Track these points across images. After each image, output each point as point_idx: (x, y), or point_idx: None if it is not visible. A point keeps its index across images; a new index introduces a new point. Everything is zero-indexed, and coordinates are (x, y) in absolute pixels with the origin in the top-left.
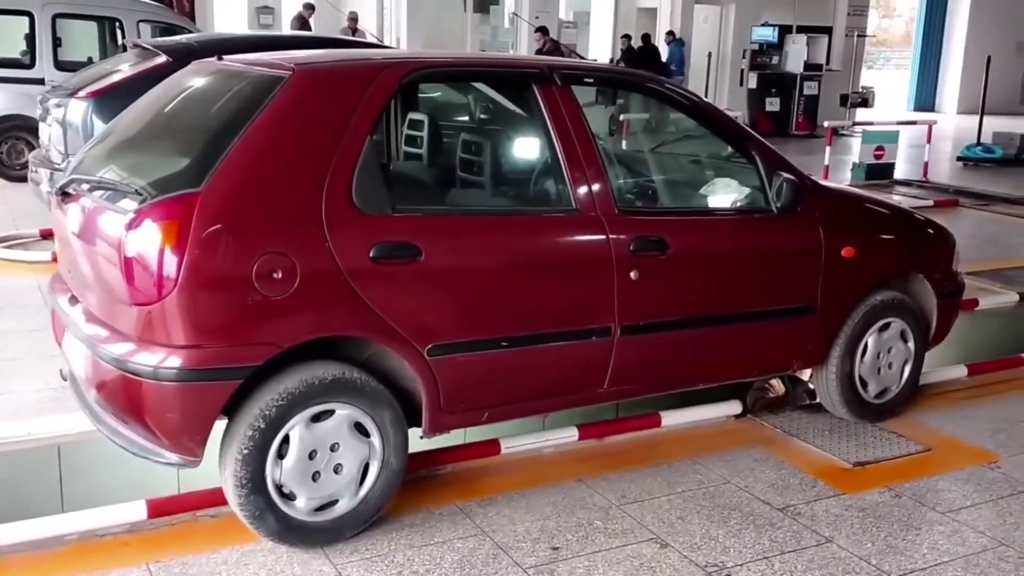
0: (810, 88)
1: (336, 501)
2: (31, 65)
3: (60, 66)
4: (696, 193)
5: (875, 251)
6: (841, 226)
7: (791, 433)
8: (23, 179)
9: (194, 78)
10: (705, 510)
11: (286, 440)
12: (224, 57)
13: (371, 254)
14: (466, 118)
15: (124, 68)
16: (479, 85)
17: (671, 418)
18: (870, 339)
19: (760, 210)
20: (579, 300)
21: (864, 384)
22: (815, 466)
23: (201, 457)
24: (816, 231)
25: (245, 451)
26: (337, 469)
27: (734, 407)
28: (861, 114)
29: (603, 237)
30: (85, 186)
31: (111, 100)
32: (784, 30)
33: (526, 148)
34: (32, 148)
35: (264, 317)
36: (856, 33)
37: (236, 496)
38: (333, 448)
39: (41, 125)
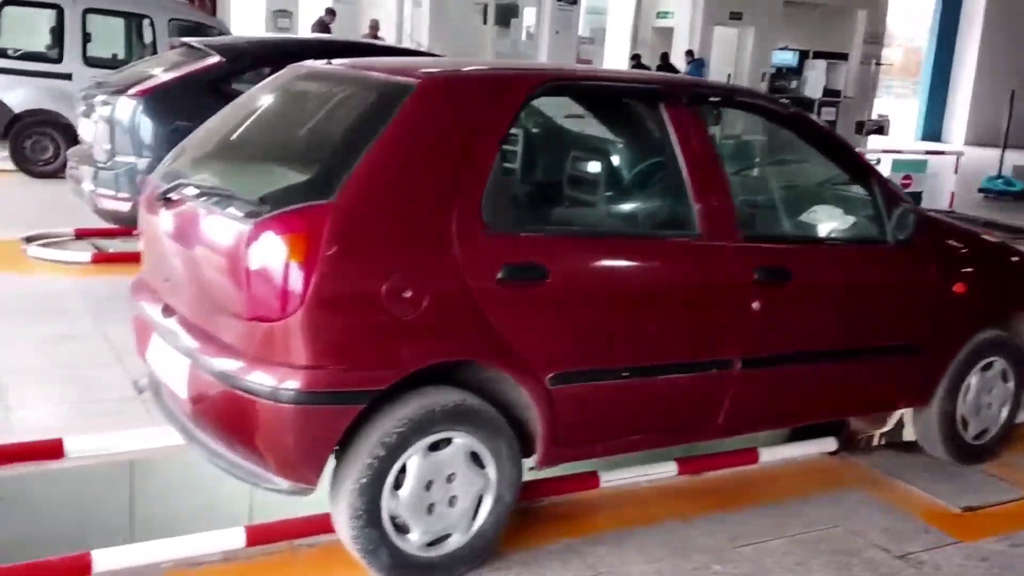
0: (828, 114)
1: (449, 535)
2: (59, 60)
3: (88, 62)
4: (811, 220)
5: (986, 288)
6: (954, 261)
7: (890, 473)
8: (47, 175)
9: (299, 82)
10: (823, 556)
11: (402, 470)
12: (332, 62)
13: (499, 275)
14: (586, 135)
15: (171, 67)
16: (600, 101)
17: (768, 454)
18: (973, 378)
19: (876, 241)
20: (701, 330)
21: (965, 424)
22: (923, 509)
23: (315, 486)
24: (930, 265)
25: (363, 480)
26: (452, 502)
27: (829, 444)
28: (873, 142)
29: (727, 264)
30: (194, 191)
31: (161, 99)
32: (802, 55)
33: (650, 168)
34: (57, 144)
35: (391, 339)
36: (873, 61)
37: (350, 528)
38: (449, 479)
39: (83, 121)
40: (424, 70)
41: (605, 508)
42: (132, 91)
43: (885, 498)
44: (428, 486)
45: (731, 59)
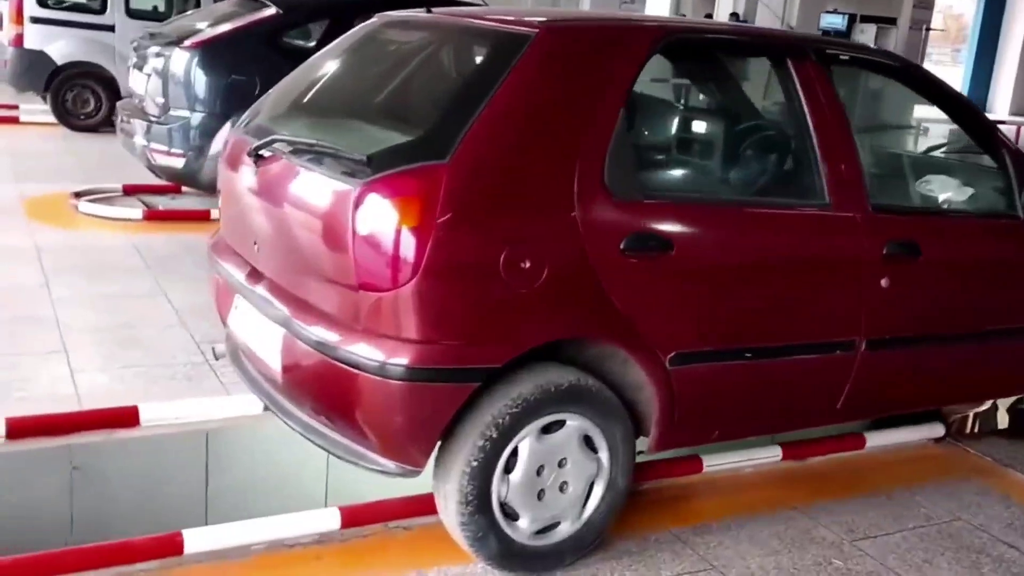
0: None
1: (558, 523)
2: (101, 11)
3: (132, 14)
4: (935, 191)
5: None
6: None
7: (1003, 463)
8: (88, 128)
9: (391, 32)
10: (949, 552)
11: (513, 453)
12: (433, 10)
13: (621, 246)
14: (708, 96)
15: (225, 19)
16: (724, 57)
17: (875, 439)
18: None
19: (1006, 215)
20: (827, 309)
21: None
22: None
23: (423, 467)
24: None
25: (474, 463)
26: (563, 488)
27: (936, 430)
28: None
29: (857, 238)
30: (291, 148)
31: (217, 52)
32: (850, 19)
33: (776, 131)
34: (99, 98)
35: (509, 312)
36: (923, 27)
37: (459, 514)
38: (560, 464)
39: (135, 74)
40: (539, 19)
41: (709, 494)
42: (187, 43)
43: (1001, 489)
44: (539, 471)
45: (777, 22)
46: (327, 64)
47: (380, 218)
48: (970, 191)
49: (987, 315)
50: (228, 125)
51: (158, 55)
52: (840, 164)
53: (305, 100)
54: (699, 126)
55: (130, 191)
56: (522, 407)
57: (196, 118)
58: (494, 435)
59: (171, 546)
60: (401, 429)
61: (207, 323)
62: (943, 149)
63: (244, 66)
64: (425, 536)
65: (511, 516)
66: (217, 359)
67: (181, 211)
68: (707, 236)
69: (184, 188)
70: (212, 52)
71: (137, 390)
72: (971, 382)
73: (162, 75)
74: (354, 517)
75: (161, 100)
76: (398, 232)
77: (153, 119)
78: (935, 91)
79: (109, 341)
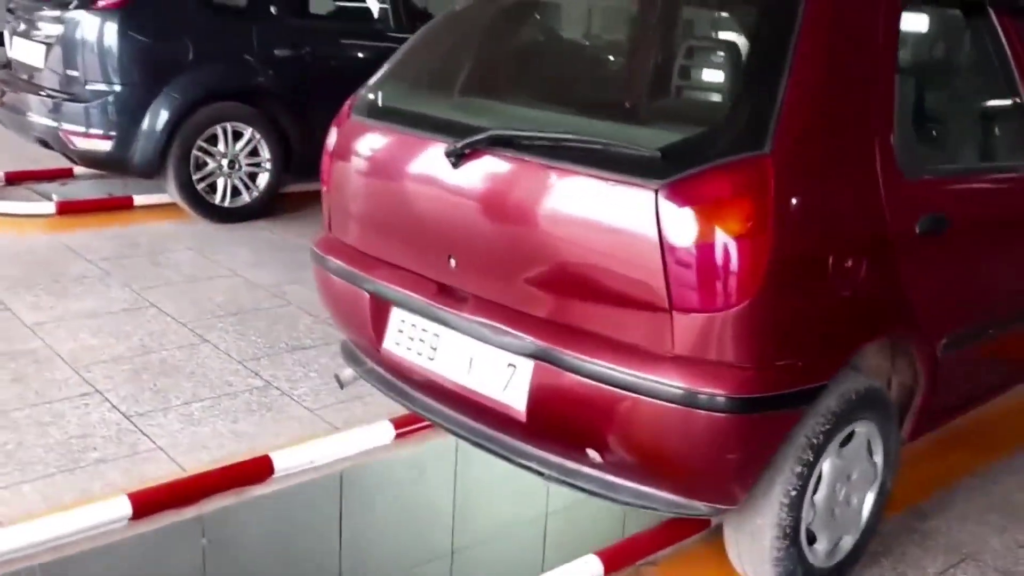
0: None
1: (840, 539)
2: None
3: None
4: None
5: None
6: None
7: None
8: None
9: None
10: None
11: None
12: None
13: (918, 229)
14: (952, 53)
15: None
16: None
17: None
18: None
19: None
20: None
21: None
22: None
23: (739, 504)
24: None
25: (793, 492)
26: (849, 500)
27: None
28: None
29: None
30: (530, 143)
31: (137, 11)
32: None
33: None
34: None
35: (837, 320)
36: None
37: (775, 549)
38: (849, 476)
39: (18, 42)
40: None
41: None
42: (100, 2)
43: None
44: (836, 487)
45: None
46: (483, 29)
47: (701, 226)
48: None
49: None
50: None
51: (57, 19)
52: None
53: (478, 78)
54: (955, 88)
55: (13, 179)
56: (832, 422)
57: (119, 92)
58: (810, 458)
59: None
60: (730, 466)
61: (231, 336)
62: None
63: (171, 28)
64: (677, 569)
65: (810, 541)
66: (343, 387)
67: (99, 200)
68: (983, 209)
69: (77, 171)
70: (131, 13)
71: (223, 431)
72: None
73: (66, 43)
74: (615, 559)
75: (73, 73)
76: (730, 241)
77: (60, 95)
78: None
79: (141, 372)
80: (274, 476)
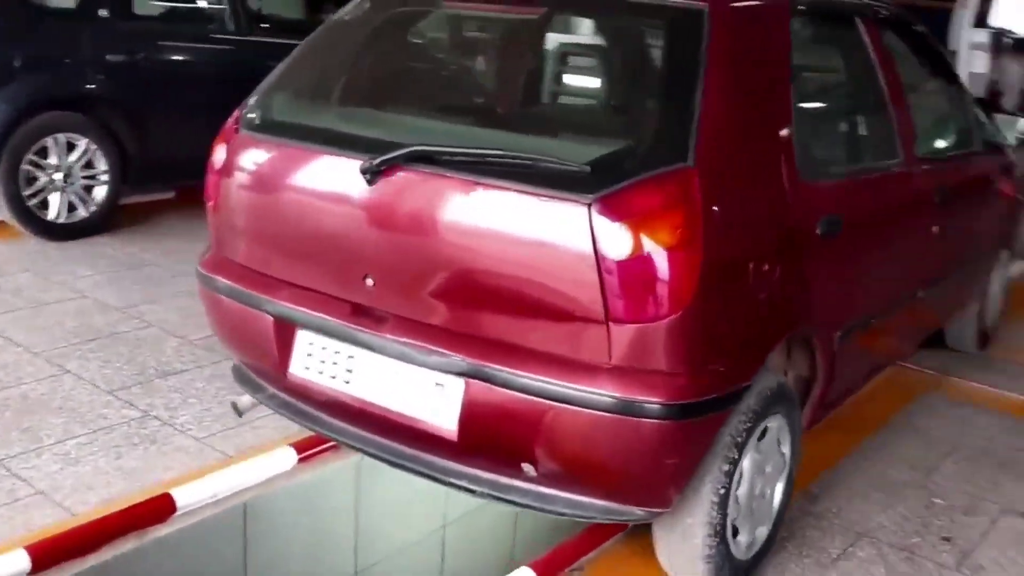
0: None
1: (756, 530)
2: None
3: None
4: (944, 136)
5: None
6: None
7: (948, 372)
8: None
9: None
10: (994, 468)
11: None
12: None
13: (818, 231)
14: (839, 63)
15: None
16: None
17: None
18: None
19: (973, 152)
20: (922, 259)
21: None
22: (1005, 404)
23: (671, 506)
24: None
25: (722, 490)
26: (764, 493)
27: None
28: None
29: (921, 190)
30: (453, 159)
31: None
32: None
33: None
34: None
35: (758, 322)
36: None
37: (706, 547)
38: (764, 470)
39: None
40: None
41: None
42: None
43: (968, 399)
44: (754, 481)
45: None
46: (379, 40)
47: (635, 238)
48: (951, 131)
49: (969, 246)
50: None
51: None
52: (903, 119)
53: (378, 90)
54: (846, 97)
55: None
56: (753, 420)
57: None
58: (735, 456)
59: None
60: (667, 470)
61: (94, 364)
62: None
63: None
64: (602, 571)
65: (734, 535)
66: (241, 415)
67: None
68: (869, 206)
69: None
70: None
71: (107, 469)
72: (945, 310)
73: None
74: (547, 569)
75: None
76: (665, 252)
77: None
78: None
79: (2, 411)
80: (176, 514)
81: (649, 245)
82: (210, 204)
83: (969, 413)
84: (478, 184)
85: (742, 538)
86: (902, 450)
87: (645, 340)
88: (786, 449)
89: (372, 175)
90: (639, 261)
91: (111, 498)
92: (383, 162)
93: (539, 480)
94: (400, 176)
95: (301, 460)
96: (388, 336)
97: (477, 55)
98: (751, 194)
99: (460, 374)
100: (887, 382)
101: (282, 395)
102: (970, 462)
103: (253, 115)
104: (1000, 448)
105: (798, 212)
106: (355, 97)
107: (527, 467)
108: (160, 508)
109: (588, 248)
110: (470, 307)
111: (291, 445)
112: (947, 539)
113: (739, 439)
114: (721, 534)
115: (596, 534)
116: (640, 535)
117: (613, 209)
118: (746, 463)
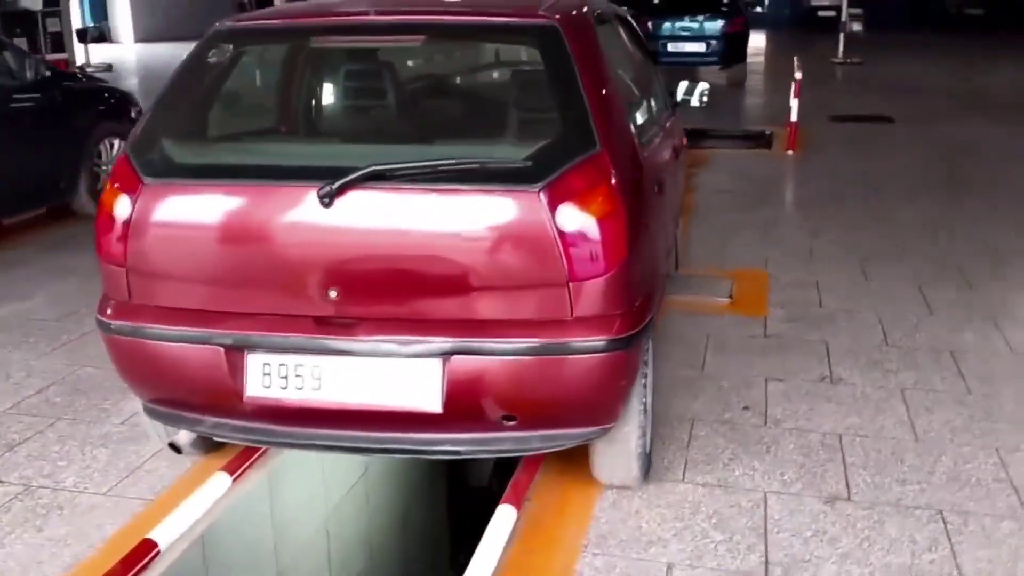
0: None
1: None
2: None
3: None
4: None
5: None
6: None
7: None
8: None
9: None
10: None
11: None
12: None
13: (656, 189)
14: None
15: None
16: None
17: None
18: None
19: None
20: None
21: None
22: (713, 307)
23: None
24: None
25: (645, 399)
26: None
27: None
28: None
29: None
30: (404, 173)
31: None
32: None
33: None
34: None
35: (648, 261)
36: None
37: (639, 447)
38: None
39: None
40: (546, 8)
41: None
42: None
43: (689, 310)
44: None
45: None
46: (275, 74)
47: (582, 213)
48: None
49: None
50: None
51: None
52: (648, 96)
53: (297, 120)
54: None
55: None
56: (651, 338)
57: None
58: (647, 371)
59: None
60: (622, 391)
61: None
62: None
63: None
64: (544, 498)
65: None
66: (180, 452)
67: None
68: (657, 162)
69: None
70: None
71: (41, 542)
72: None
73: None
74: (515, 500)
75: None
76: (605, 219)
77: None
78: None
79: None
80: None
81: (591, 216)
82: (112, 256)
83: (699, 318)
84: (432, 191)
85: (647, 437)
86: (674, 355)
87: (597, 292)
88: (649, 361)
89: (330, 198)
90: (586, 229)
91: (72, 563)
92: (341, 185)
93: (516, 427)
94: (355, 195)
95: (235, 480)
96: (361, 338)
97: (378, 82)
98: (630, 165)
99: (442, 354)
100: None
101: (232, 421)
102: (692, 350)
103: (153, 162)
104: (728, 337)
105: (650, 175)
106: (272, 131)
107: (507, 419)
108: (140, 552)
109: (547, 226)
110: (442, 296)
111: (223, 469)
112: (747, 408)
113: (646, 357)
114: (644, 436)
115: (530, 468)
116: (560, 459)
117: (559, 192)
118: (649, 375)
